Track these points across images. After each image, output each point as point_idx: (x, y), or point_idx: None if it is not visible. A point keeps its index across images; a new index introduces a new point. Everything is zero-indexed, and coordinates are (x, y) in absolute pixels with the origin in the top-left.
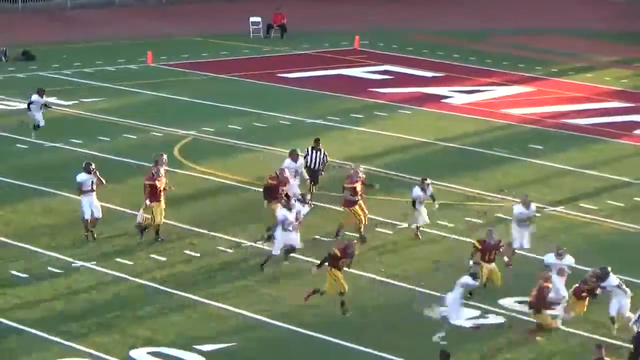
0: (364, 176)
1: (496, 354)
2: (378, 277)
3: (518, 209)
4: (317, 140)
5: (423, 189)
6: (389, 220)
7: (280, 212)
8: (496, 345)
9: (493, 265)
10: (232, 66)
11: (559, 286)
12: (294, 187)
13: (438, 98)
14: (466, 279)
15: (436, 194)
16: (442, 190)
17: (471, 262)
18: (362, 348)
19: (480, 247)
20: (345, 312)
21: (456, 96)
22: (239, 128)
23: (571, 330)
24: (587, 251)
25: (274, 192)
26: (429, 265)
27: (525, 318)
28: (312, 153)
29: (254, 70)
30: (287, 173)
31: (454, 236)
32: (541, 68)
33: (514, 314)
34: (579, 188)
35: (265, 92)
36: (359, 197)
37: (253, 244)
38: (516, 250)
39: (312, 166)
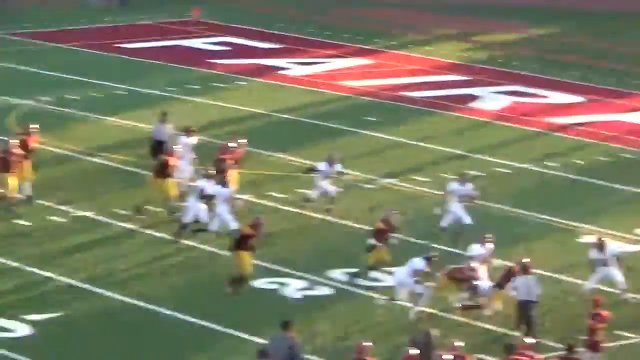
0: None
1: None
2: (209, 248)
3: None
4: (163, 114)
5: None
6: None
7: (200, 182)
8: (324, 315)
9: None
10: (71, 36)
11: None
12: (185, 163)
13: (275, 69)
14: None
15: (271, 165)
16: (276, 161)
17: (372, 241)
18: (188, 318)
19: (386, 227)
20: (235, 292)
21: (294, 68)
22: (77, 98)
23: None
24: (419, 223)
25: (168, 167)
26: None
27: (352, 289)
28: (160, 126)
29: (93, 40)
30: (180, 148)
31: (286, 207)
32: (380, 41)
33: (341, 285)
34: (413, 160)
35: (103, 62)
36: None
37: (88, 214)
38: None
39: (161, 139)
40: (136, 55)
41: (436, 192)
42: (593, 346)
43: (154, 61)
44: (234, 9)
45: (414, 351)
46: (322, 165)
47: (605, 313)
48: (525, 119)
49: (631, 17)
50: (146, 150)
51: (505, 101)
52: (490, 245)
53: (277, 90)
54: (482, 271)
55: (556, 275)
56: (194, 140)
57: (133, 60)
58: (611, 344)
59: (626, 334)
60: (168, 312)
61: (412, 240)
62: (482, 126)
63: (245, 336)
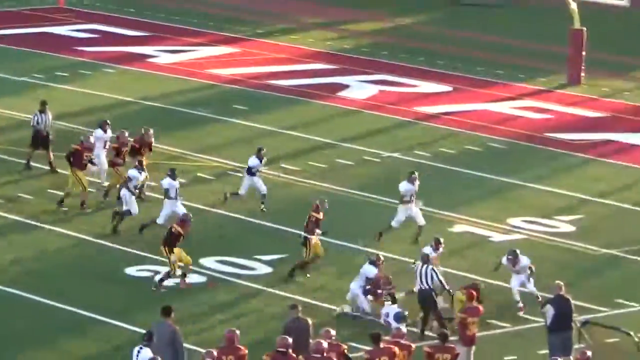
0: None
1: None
2: (85, 236)
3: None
4: (43, 103)
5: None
6: (97, 180)
7: (131, 172)
8: (196, 303)
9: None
10: None
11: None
12: (101, 157)
13: (143, 57)
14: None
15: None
16: None
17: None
18: (63, 305)
19: (321, 217)
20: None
21: (161, 56)
22: None
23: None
24: (289, 212)
25: (77, 157)
26: (127, 221)
27: (226, 277)
28: (40, 116)
29: None
30: (92, 139)
31: (156, 195)
32: (247, 29)
33: (213, 273)
34: (282, 148)
35: None
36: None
37: None
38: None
39: (42, 128)
40: (1, 42)
41: (307, 180)
42: (465, 340)
43: (20, 48)
44: None
45: (287, 338)
46: (252, 161)
47: (479, 307)
48: (394, 108)
49: (498, 7)
50: (17, 137)
51: (374, 90)
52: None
53: (145, 78)
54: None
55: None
56: (108, 133)
57: None
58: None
59: (496, 322)
60: (42, 299)
61: (288, 229)
62: (351, 115)
63: (119, 323)
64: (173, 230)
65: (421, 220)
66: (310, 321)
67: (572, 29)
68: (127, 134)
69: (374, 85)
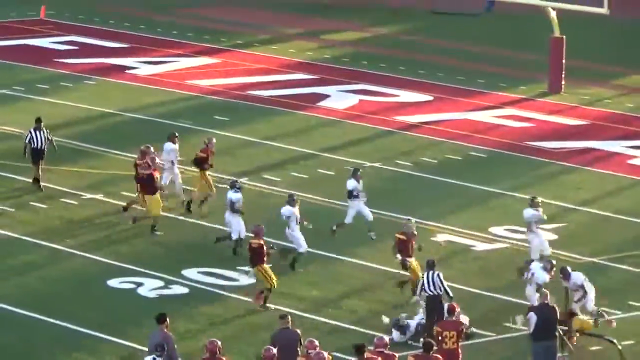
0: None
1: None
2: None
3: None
4: (38, 120)
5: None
6: (75, 191)
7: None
8: (179, 314)
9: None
10: None
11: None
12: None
13: (123, 69)
14: None
15: (121, 165)
16: (122, 159)
17: (398, 257)
18: (45, 318)
19: (404, 238)
20: None
21: (142, 67)
22: None
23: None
24: (270, 222)
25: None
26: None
27: (207, 288)
28: (35, 133)
29: None
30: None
31: (137, 206)
32: (226, 39)
33: (196, 285)
34: (263, 159)
35: None
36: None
37: None
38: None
39: (38, 146)
40: None
41: (287, 190)
42: (442, 354)
43: (0, 60)
44: (80, 8)
45: (274, 349)
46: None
47: (457, 322)
48: (374, 118)
49: (475, 16)
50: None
51: (354, 100)
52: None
53: (126, 90)
54: None
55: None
56: (176, 146)
57: None
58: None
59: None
60: (25, 312)
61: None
62: (331, 125)
63: (103, 336)
64: (253, 245)
65: (369, 216)
66: (299, 332)
67: (552, 37)
68: (152, 148)
69: (354, 95)
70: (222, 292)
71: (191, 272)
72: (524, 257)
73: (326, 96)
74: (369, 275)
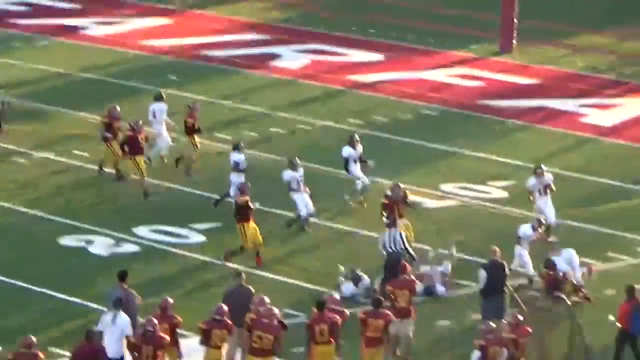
0: None
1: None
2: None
3: None
4: None
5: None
6: (26, 150)
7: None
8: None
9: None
10: None
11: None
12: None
13: (76, 29)
14: None
15: (72, 124)
16: (81, 119)
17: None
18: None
19: (386, 201)
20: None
21: (94, 27)
22: None
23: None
24: (224, 181)
25: (134, 144)
26: (60, 192)
27: (158, 246)
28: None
29: None
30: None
31: (88, 165)
32: (180, 0)
33: (147, 242)
34: (216, 118)
35: None
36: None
37: None
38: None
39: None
40: None
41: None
42: (394, 312)
43: None
44: None
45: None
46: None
47: (409, 280)
48: (326, 77)
49: None
50: None
51: (306, 59)
52: None
53: (78, 50)
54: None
55: (365, 232)
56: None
57: None
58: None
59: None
60: None
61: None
62: (284, 84)
63: (54, 293)
64: (239, 202)
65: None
66: (252, 290)
67: None
68: (118, 108)
69: (306, 55)
70: (173, 249)
71: (142, 230)
72: (474, 215)
73: (278, 56)
74: (322, 233)
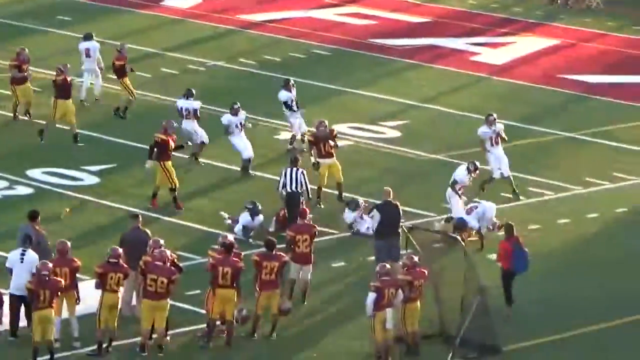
0: None
1: None
2: None
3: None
4: None
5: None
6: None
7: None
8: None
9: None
10: None
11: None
12: None
13: None
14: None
15: None
16: None
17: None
18: None
19: (312, 139)
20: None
21: None
22: None
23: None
24: (116, 122)
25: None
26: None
27: (52, 189)
28: None
29: None
30: None
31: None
32: None
33: (41, 185)
34: (106, 59)
35: None
36: None
37: None
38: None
39: None
40: None
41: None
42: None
43: None
44: None
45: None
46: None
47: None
48: (217, 17)
49: None
50: None
51: None
52: None
53: None
54: None
55: (259, 173)
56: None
57: None
58: None
59: (326, 229)
60: None
61: (116, 140)
62: (175, 24)
63: None
64: (157, 139)
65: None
66: (149, 232)
67: None
68: (27, 50)
69: None
70: (67, 192)
71: (35, 173)
72: (367, 154)
73: None
74: (216, 175)
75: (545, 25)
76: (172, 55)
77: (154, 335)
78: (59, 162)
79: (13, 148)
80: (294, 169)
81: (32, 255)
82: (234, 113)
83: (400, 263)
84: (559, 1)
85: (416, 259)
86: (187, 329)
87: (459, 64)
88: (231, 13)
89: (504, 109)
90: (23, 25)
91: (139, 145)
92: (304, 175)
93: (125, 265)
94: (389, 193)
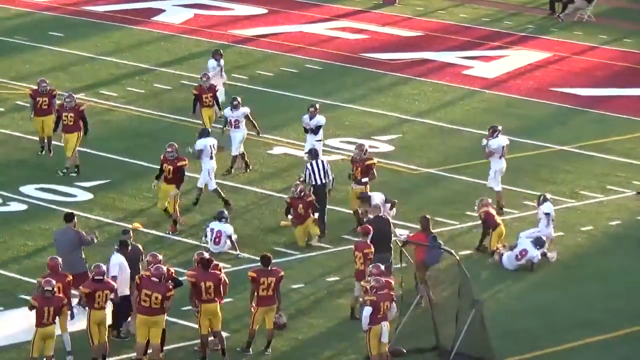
0: None
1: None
2: None
3: None
4: None
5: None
6: None
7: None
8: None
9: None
10: None
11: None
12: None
13: None
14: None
15: None
16: None
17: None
18: None
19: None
20: None
21: None
22: None
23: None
24: (110, 138)
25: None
26: None
27: (45, 205)
28: None
29: None
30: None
31: None
32: None
33: (34, 201)
34: (99, 75)
35: None
36: None
37: None
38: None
39: None
40: None
41: (125, 106)
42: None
43: None
44: None
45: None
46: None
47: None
48: (210, 32)
49: None
50: None
51: (189, 14)
52: None
53: None
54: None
55: (246, 187)
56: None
57: None
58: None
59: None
60: None
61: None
62: (167, 39)
63: None
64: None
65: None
66: (141, 247)
67: None
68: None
69: (189, 9)
70: (60, 208)
71: (29, 189)
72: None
73: (161, 11)
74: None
75: (537, 39)
76: (165, 71)
77: (149, 351)
78: (52, 179)
79: (7, 164)
80: (317, 160)
81: (118, 257)
82: (235, 108)
83: (392, 278)
84: (560, 14)
85: (382, 267)
86: (182, 344)
87: (451, 77)
88: (223, 28)
89: (497, 122)
90: (12, 41)
91: (133, 161)
92: (327, 164)
93: (111, 281)
94: (379, 208)
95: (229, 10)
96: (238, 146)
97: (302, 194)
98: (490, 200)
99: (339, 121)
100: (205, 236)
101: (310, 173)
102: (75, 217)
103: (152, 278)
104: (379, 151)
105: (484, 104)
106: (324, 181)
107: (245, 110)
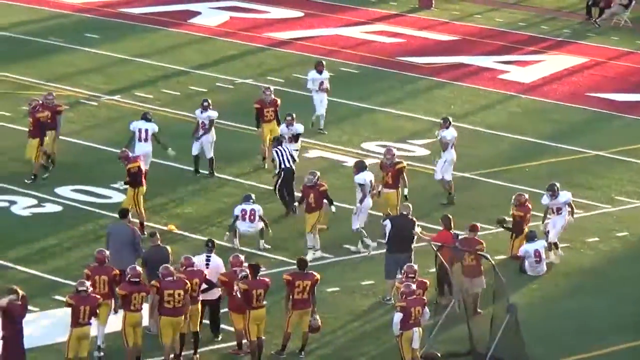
0: None
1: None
2: None
3: None
4: None
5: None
6: None
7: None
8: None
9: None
10: None
11: None
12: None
13: None
14: None
15: None
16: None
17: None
18: None
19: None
20: None
21: None
22: None
23: None
24: None
25: None
26: None
27: (80, 206)
28: None
29: None
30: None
31: (10, 125)
32: None
33: (69, 202)
34: (135, 77)
35: None
36: None
37: None
38: None
39: None
40: None
41: (161, 108)
42: None
43: None
44: None
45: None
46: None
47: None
48: (245, 35)
49: None
50: None
51: (225, 16)
52: None
53: None
54: None
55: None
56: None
57: None
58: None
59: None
60: None
61: None
62: (203, 42)
63: None
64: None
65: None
66: (169, 249)
67: None
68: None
69: (225, 12)
70: (95, 209)
71: (64, 190)
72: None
73: (197, 13)
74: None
75: (574, 44)
76: (201, 73)
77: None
78: (88, 180)
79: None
80: (282, 146)
81: (216, 260)
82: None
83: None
84: (596, 20)
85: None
86: (217, 346)
87: (487, 82)
88: (259, 31)
89: (532, 127)
90: (48, 43)
91: (168, 163)
92: (292, 150)
93: (146, 284)
94: (407, 207)
95: (264, 13)
96: (210, 148)
97: (316, 182)
98: (527, 196)
99: (375, 125)
100: (234, 222)
101: (279, 158)
102: (130, 213)
103: (167, 278)
104: (414, 155)
105: (520, 109)
106: (292, 164)
107: (213, 114)
